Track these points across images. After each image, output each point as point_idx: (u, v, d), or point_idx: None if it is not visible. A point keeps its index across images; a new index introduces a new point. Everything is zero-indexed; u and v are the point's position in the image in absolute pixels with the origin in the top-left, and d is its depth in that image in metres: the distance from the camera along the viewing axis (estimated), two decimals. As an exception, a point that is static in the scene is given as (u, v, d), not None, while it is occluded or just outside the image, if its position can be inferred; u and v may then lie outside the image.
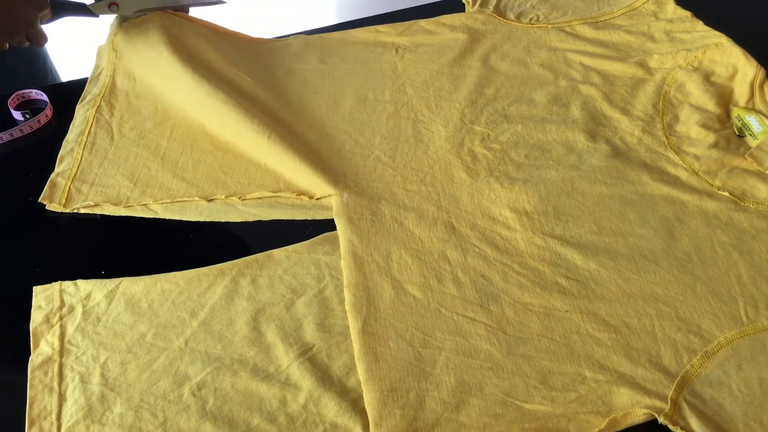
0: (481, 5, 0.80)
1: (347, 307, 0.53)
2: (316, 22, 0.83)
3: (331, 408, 0.47)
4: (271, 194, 0.61)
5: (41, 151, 0.67)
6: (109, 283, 0.55)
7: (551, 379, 0.48)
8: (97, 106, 0.70)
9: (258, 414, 0.47)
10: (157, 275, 0.56)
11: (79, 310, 0.53)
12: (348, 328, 0.52)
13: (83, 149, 0.66)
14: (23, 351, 0.51)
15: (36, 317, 0.53)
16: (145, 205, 0.61)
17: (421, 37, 0.77)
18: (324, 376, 0.49)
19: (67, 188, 0.63)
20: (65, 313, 0.53)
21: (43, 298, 0.54)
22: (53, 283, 0.55)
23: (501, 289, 0.53)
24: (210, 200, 0.61)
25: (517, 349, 0.50)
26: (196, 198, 0.61)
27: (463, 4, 0.82)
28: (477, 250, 0.56)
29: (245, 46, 0.77)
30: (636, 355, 0.49)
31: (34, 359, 0.50)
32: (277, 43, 0.78)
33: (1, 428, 0.48)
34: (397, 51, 0.76)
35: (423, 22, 0.79)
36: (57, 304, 0.54)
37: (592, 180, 0.60)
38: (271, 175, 0.63)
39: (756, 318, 0.50)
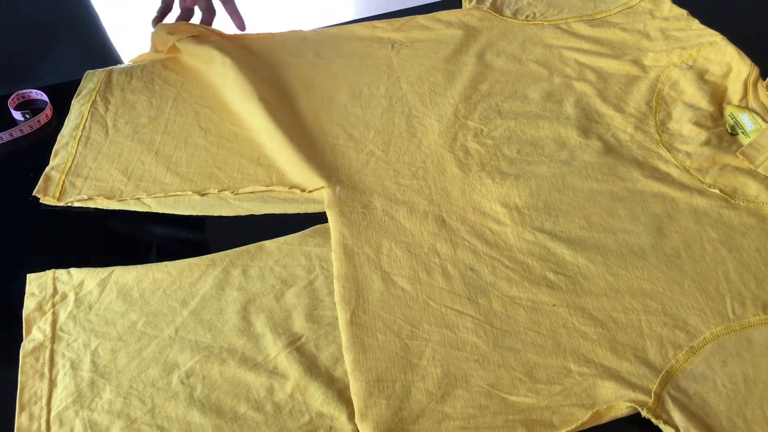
0: (478, 2, 0.80)
1: (336, 299, 0.53)
2: (312, 23, 0.83)
3: (317, 397, 0.48)
4: (263, 189, 0.62)
5: (41, 151, 0.67)
6: (102, 272, 0.55)
7: (537, 371, 0.49)
8: (92, 101, 0.71)
9: (245, 402, 0.48)
10: (149, 264, 0.56)
11: (71, 297, 0.54)
12: (336, 319, 0.52)
13: (78, 143, 0.67)
14: (16, 337, 0.52)
15: (29, 304, 0.54)
16: (138, 199, 0.62)
17: (417, 32, 0.77)
18: (311, 366, 0.49)
19: (61, 182, 0.63)
20: (58, 300, 0.54)
21: (37, 285, 0.55)
22: (47, 271, 0.56)
23: (489, 282, 0.54)
24: (203, 194, 0.62)
25: (503, 342, 0.50)
26: (189, 192, 0.62)
27: (461, 1, 0.82)
28: (467, 243, 0.56)
29: (244, 43, 0.78)
30: (622, 349, 0.49)
31: (26, 345, 0.51)
32: (274, 38, 0.79)
33: (-8, 412, 0.49)
34: (393, 46, 0.76)
35: (419, 18, 0.79)
36: (50, 291, 0.54)
37: (583, 176, 0.60)
38: (264, 170, 0.63)
39: (743, 314, 0.51)
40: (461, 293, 0.53)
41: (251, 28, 0.81)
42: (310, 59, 0.75)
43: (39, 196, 0.62)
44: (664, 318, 0.51)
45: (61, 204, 0.62)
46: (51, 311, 0.53)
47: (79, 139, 0.67)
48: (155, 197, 0.62)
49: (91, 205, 0.62)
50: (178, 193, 0.62)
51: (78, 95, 0.72)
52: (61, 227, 0.61)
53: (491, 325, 0.51)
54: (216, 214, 0.61)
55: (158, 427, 0.47)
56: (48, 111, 0.71)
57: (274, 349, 0.51)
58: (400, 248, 0.56)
